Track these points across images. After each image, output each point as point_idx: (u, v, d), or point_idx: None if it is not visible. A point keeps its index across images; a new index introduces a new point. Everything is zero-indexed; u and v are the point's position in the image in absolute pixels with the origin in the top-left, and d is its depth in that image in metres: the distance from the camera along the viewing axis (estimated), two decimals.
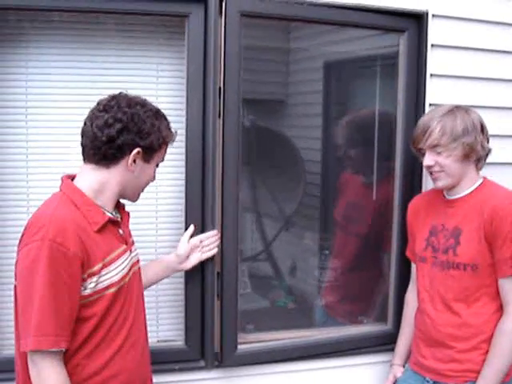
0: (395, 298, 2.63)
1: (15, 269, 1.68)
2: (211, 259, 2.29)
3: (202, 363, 2.37)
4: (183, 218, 2.32)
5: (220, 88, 2.25)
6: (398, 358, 2.47)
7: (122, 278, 1.78)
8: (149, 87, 2.30)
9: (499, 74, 2.70)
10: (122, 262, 1.79)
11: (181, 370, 2.35)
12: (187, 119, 2.28)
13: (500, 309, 2.16)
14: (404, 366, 2.46)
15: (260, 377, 2.47)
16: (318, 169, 3.88)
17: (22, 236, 1.68)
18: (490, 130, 2.25)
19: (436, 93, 2.56)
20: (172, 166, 2.30)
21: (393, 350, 2.53)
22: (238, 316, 2.37)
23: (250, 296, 3.20)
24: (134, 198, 1.91)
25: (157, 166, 1.88)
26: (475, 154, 2.17)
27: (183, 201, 2.32)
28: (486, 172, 2.30)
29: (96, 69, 2.27)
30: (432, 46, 2.54)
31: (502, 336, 2.11)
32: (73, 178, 1.81)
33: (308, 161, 3.89)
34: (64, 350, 1.65)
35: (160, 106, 1.86)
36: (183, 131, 2.27)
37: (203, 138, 2.29)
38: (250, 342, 2.47)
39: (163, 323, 2.42)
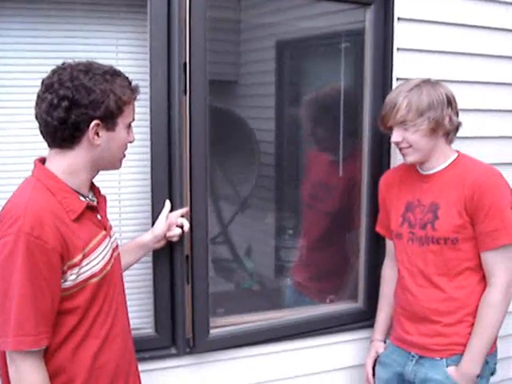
0: (365, 275, 2.62)
1: None
2: (180, 242, 2.20)
3: (174, 350, 2.29)
4: (149, 201, 2.21)
5: (185, 64, 2.15)
6: (379, 333, 2.46)
7: (105, 267, 1.68)
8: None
9: (466, 48, 2.70)
10: (103, 250, 1.69)
11: (151, 359, 2.25)
12: (151, 97, 2.17)
13: (482, 280, 2.17)
14: (385, 342, 2.44)
15: (233, 361, 2.41)
16: (273, 149, 3.82)
17: None
18: (460, 104, 2.23)
19: (403, 67, 2.53)
20: (136, 146, 2.18)
21: (365, 327, 2.53)
22: (209, 300, 2.29)
23: (213, 279, 3.13)
24: (117, 167, 1.79)
25: (129, 126, 1.73)
26: (442, 129, 2.16)
27: (149, 182, 2.21)
28: (459, 146, 2.29)
29: (53, 44, 2.12)
30: (398, 19, 2.50)
31: (488, 307, 2.12)
32: (44, 161, 1.68)
33: (262, 142, 3.83)
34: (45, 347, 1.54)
35: None
36: (147, 109, 2.15)
37: (169, 117, 2.18)
38: (222, 326, 2.40)
39: (131, 310, 2.24)
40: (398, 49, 2.51)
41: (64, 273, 1.56)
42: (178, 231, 2.16)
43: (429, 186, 2.23)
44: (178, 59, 2.14)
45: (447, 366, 2.17)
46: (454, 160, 2.22)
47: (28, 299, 1.48)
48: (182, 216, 2.17)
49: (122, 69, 1.71)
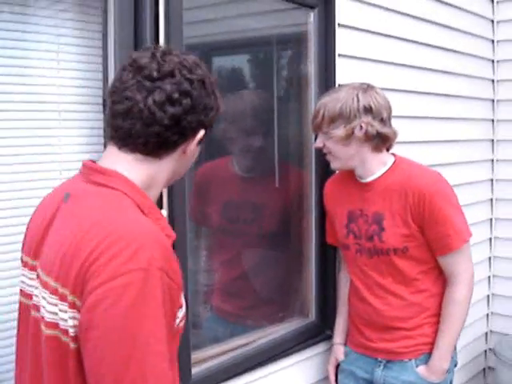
0: (316, 288, 2.50)
1: (83, 315, 1.07)
2: None
3: None
4: None
5: None
6: (338, 336, 2.40)
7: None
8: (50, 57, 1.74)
9: (403, 60, 2.83)
10: None
11: None
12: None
13: (437, 281, 2.20)
14: (345, 345, 2.38)
15: None
16: None
17: (89, 265, 1.07)
18: (396, 112, 2.22)
19: (344, 73, 2.50)
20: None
21: (322, 340, 2.45)
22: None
23: None
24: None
25: None
26: (356, 137, 2.09)
27: None
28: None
29: None
30: (339, 25, 2.47)
31: (455, 305, 2.15)
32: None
33: None
34: None
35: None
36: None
37: None
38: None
39: None
40: (339, 55, 2.48)
41: None
42: None
43: (370, 194, 2.19)
44: None
45: (417, 367, 2.18)
46: (392, 165, 2.19)
47: (166, 360, 1.07)
48: None
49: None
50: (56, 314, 1.11)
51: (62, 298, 1.10)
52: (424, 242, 2.12)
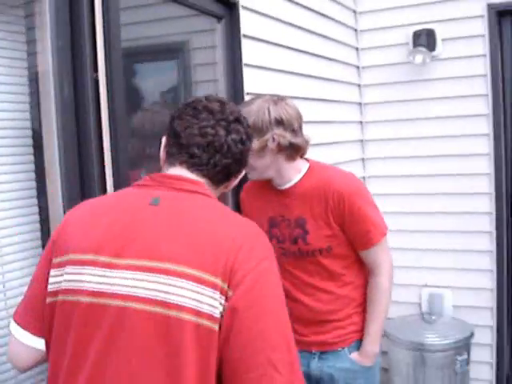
0: None
1: (240, 298, 1.26)
2: None
3: None
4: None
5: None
6: None
7: None
8: None
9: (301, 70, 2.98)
10: None
11: None
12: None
13: (360, 273, 2.33)
14: None
15: None
16: None
17: (235, 258, 1.28)
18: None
19: (250, 82, 2.59)
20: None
21: None
22: None
23: None
24: None
25: None
26: (269, 149, 2.15)
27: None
28: None
29: None
30: (244, 36, 2.56)
31: (379, 293, 2.30)
32: None
33: None
34: None
35: None
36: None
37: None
38: None
39: None
40: (245, 64, 2.56)
41: None
42: None
43: (289, 200, 2.27)
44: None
45: (350, 353, 2.32)
46: (307, 171, 2.28)
47: None
48: None
49: None
50: (198, 300, 1.23)
51: (214, 286, 1.24)
52: (345, 240, 2.24)
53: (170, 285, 1.24)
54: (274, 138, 2.10)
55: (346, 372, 2.30)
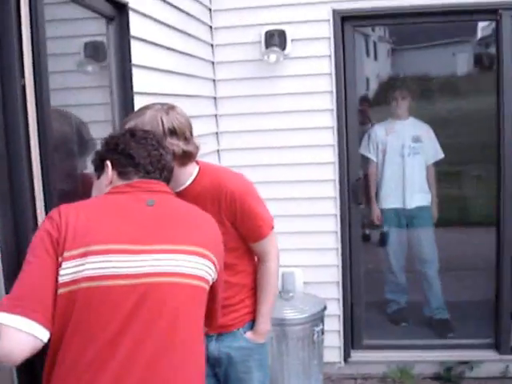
0: None
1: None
2: None
3: None
4: None
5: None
6: None
7: None
8: None
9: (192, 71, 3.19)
10: None
11: None
12: None
13: (249, 261, 2.56)
14: None
15: None
16: None
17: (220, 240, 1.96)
18: None
19: (138, 82, 2.68)
20: None
21: None
22: None
23: None
24: None
25: None
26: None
27: None
28: None
29: None
30: (133, 37, 2.63)
31: (269, 277, 2.53)
32: None
33: None
34: None
35: None
36: None
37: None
38: None
39: None
40: (134, 65, 2.64)
41: None
42: None
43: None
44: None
45: (244, 333, 2.54)
46: (198, 173, 2.41)
47: None
48: None
49: None
50: (196, 267, 1.73)
51: (210, 259, 1.79)
52: (237, 234, 2.43)
53: (184, 260, 1.71)
54: (172, 147, 2.17)
55: (242, 350, 2.52)
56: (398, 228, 4.85)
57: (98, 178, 1.88)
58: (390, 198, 4.78)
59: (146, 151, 1.84)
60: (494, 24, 3.99)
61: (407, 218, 4.79)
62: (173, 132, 2.19)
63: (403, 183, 4.68)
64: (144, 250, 1.65)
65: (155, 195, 1.80)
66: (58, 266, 1.55)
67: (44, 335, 1.51)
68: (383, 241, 4.95)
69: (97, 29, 2.57)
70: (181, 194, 2.33)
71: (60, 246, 1.56)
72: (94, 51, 2.65)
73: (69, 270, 1.54)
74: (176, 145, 2.20)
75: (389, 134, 4.74)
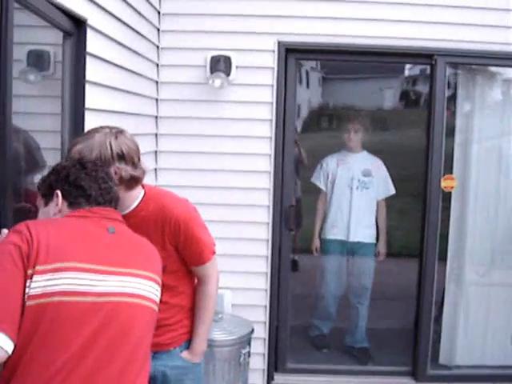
0: None
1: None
2: None
3: None
4: None
5: None
6: None
7: None
8: None
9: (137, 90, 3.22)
10: None
11: None
12: None
13: (188, 283, 2.60)
14: None
15: None
16: None
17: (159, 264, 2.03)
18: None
19: (89, 98, 2.69)
20: None
21: None
22: None
23: None
24: None
25: None
26: (114, 181, 2.22)
27: None
28: None
29: None
30: (88, 54, 2.64)
31: (208, 299, 2.59)
32: None
33: None
34: None
35: None
36: None
37: None
38: None
39: None
40: (87, 81, 2.65)
41: None
42: None
43: (128, 224, 2.47)
44: None
45: (181, 352, 2.59)
46: (143, 197, 2.43)
47: None
48: None
49: None
50: (153, 292, 1.88)
51: (159, 284, 1.93)
52: (178, 257, 2.48)
53: (144, 284, 1.84)
54: (115, 172, 2.21)
55: (178, 369, 2.56)
56: (338, 258, 4.95)
57: (46, 204, 1.90)
58: (333, 229, 4.87)
59: (96, 183, 1.91)
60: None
61: (348, 250, 4.88)
62: (121, 157, 2.22)
63: (349, 216, 4.76)
64: (111, 272, 1.74)
65: (112, 222, 1.89)
66: (28, 278, 1.57)
67: (10, 347, 1.52)
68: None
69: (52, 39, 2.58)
70: (125, 217, 2.32)
71: (31, 259, 1.58)
72: (39, 60, 2.64)
73: (40, 284, 1.57)
74: (124, 169, 2.23)
75: (339, 166, 4.83)
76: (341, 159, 4.89)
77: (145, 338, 1.85)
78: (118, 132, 2.24)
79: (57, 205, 1.86)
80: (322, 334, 4.93)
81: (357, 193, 4.74)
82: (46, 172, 2.00)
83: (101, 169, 1.99)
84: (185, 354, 2.57)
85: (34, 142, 2.20)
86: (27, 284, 1.56)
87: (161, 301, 2.43)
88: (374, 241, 4.86)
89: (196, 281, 2.61)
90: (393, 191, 4.84)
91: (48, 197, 1.89)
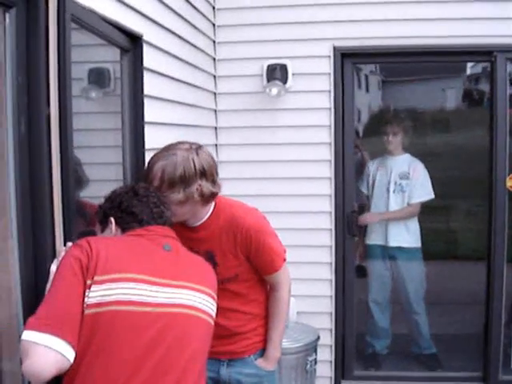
0: None
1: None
2: None
3: None
4: None
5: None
6: None
7: None
8: None
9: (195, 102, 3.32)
10: None
11: None
12: None
13: (262, 291, 2.61)
14: None
15: None
16: None
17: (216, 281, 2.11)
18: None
19: (148, 112, 2.76)
20: None
21: None
22: None
23: None
24: None
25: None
26: (193, 199, 2.29)
27: None
28: None
29: None
30: (145, 68, 2.71)
31: (281, 305, 2.59)
32: None
33: None
34: None
35: None
36: None
37: None
38: None
39: None
40: (145, 96, 2.71)
41: None
42: None
43: (198, 235, 2.46)
44: None
45: (255, 360, 2.60)
46: (214, 209, 2.46)
47: None
48: None
49: None
50: (209, 306, 1.93)
51: (215, 299, 1.99)
52: (250, 266, 2.50)
53: (200, 298, 1.90)
54: (197, 189, 2.26)
55: (253, 377, 2.59)
56: (380, 264, 4.81)
57: (102, 231, 2.02)
58: (373, 234, 4.78)
59: (148, 208, 2.00)
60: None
61: (390, 256, 4.73)
62: (203, 174, 2.26)
63: (386, 220, 4.66)
64: (167, 284, 1.81)
65: (167, 240, 1.97)
66: (87, 288, 1.63)
67: (71, 355, 1.57)
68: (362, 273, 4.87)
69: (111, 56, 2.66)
70: (197, 229, 2.42)
71: (90, 270, 1.66)
72: (99, 77, 2.74)
73: (98, 293, 1.64)
74: (205, 186, 2.27)
75: (379, 169, 4.77)
76: (381, 163, 4.82)
77: (200, 352, 1.89)
78: (198, 148, 2.29)
79: (111, 231, 1.96)
80: (375, 353, 4.70)
81: (393, 196, 4.62)
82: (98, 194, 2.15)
83: (152, 194, 2.05)
84: (259, 362, 2.59)
85: (76, 157, 2.28)
86: (86, 293, 1.63)
87: (232, 309, 2.50)
88: (419, 245, 4.68)
89: (268, 288, 2.62)
90: (430, 196, 4.61)
91: (104, 224, 2.00)
